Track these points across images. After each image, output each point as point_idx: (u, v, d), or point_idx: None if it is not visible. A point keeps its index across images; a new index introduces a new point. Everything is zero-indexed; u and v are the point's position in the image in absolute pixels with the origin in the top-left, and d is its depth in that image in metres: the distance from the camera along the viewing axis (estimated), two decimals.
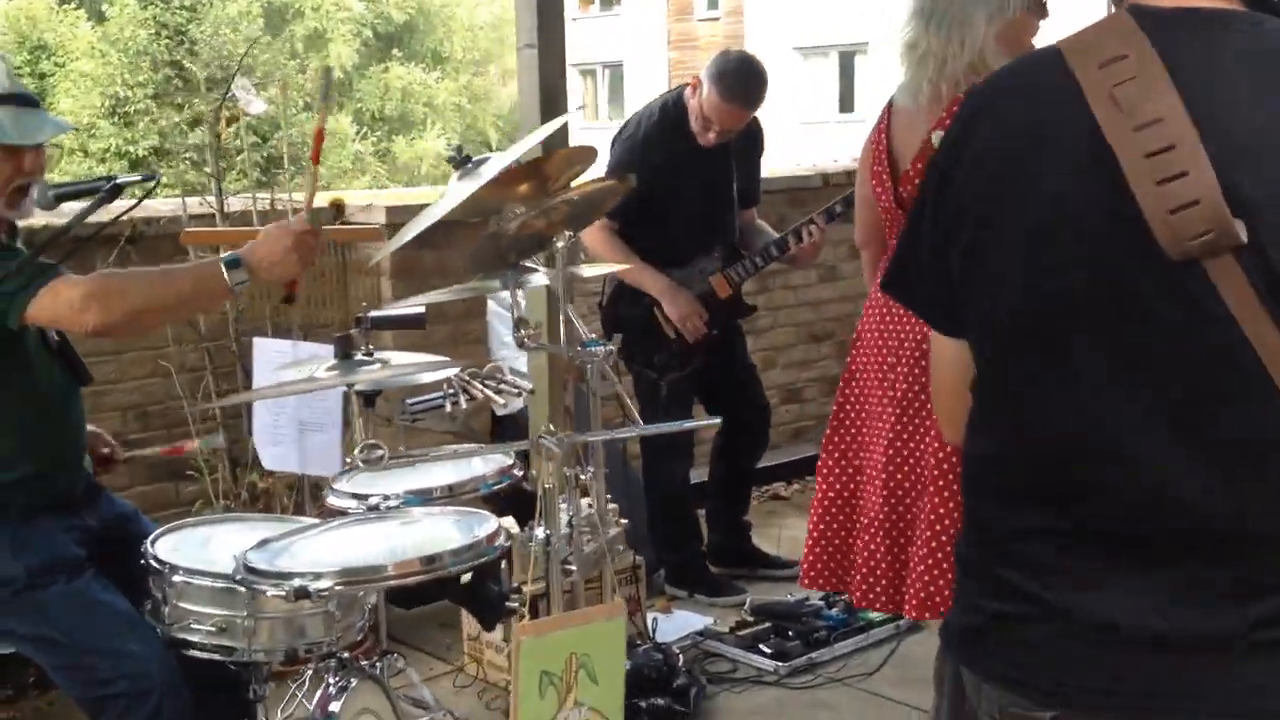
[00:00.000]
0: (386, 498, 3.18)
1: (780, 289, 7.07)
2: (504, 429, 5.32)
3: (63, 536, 3.08)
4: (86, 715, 3.03)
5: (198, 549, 3.18)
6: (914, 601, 3.49)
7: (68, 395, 3.19)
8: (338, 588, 2.70)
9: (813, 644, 4.76)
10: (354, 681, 2.99)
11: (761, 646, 4.75)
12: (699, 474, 5.62)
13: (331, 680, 2.96)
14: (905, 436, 3.55)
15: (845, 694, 4.50)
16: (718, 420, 2.79)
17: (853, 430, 3.69)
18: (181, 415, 4.92)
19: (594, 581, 3.11)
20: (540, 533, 2.63)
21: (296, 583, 2.68)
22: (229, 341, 4.91)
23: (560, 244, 2.64)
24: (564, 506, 2.79)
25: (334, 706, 2.86)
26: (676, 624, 5.03)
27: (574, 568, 2.72)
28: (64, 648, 2.99)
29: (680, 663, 4.49)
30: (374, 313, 3.55)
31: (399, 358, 3.62)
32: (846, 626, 4.87)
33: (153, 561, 3.08)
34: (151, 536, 3.17)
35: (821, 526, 3.70)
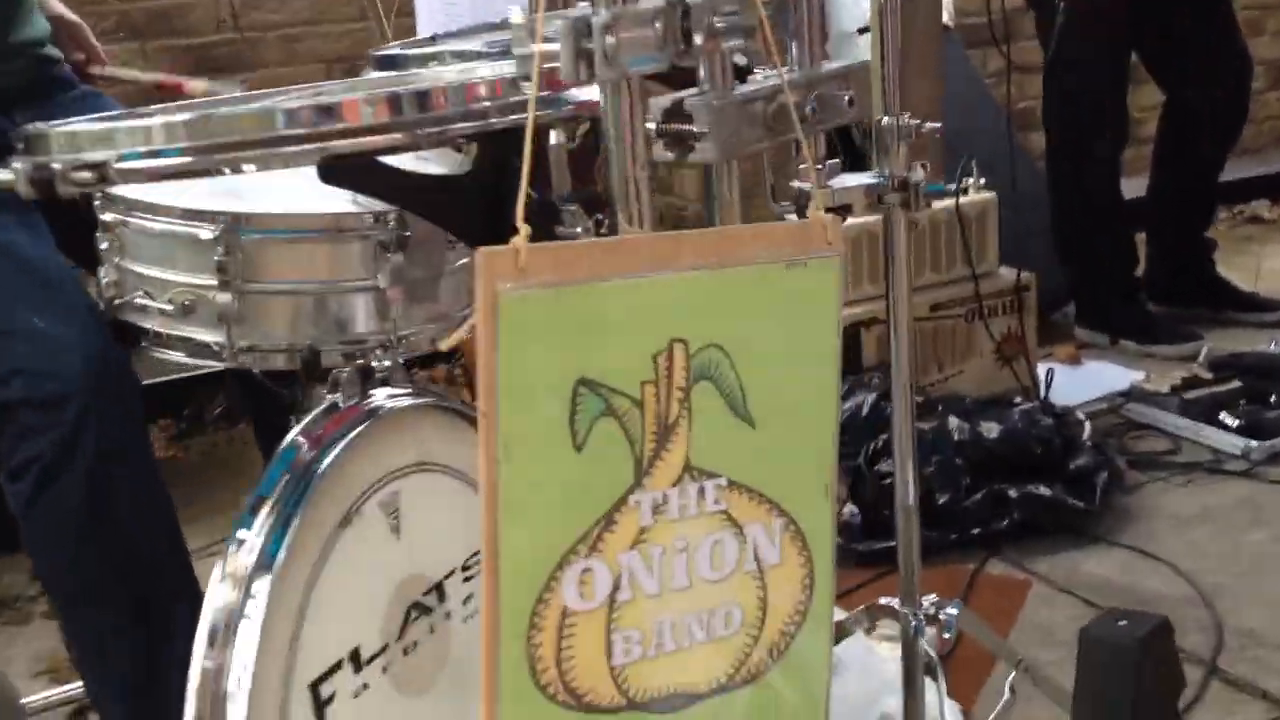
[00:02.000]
0: None
1: None
2: None
3: None
4: None
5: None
6: None
7: None
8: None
9: None
10: (398, 403, 1.59)
11: (1224, 416, 3.05)
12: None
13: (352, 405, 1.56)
14: None
15: None
16: None
17: None
18: None
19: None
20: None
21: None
22: None
23: None
24: None
25: (325, 460, 1.46)
26: (1085, 380, 3.39)
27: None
28: None
29: (1086, 434, 2.86)
30: None
31: None
32: None
33: (97, 198, 1.76)
34: None
35: None
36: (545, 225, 1.15)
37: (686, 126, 1.08)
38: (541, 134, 1.23)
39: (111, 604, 1.76)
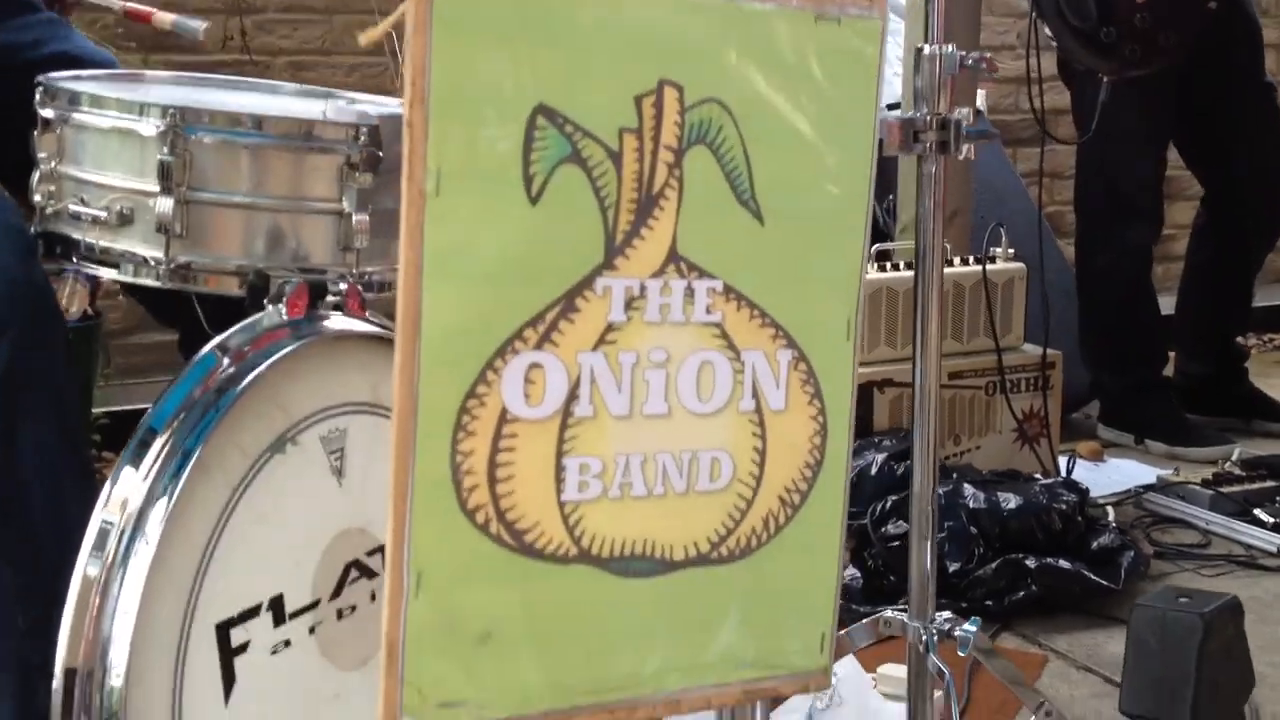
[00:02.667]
0: None
1: None
2: None
3: None
4: None
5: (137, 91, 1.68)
6: None
7: None
8: None
9: None
10: (351, 327, 1.38)
11: (1259, 513, 2.81)
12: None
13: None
14: None
15: None
16: None
17: None
18: None
19: None
20: None
21: None
22: None
23: None
24: None
25: (253, 372, 1.24)
26: (1108, 475, 3.16)
27: None
28: None
29: (1110, 518, 2.67)
30: None
31: None
32: None
33: (38, 93, 1.58)
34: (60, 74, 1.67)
35: None
36: None
37: None
38: None
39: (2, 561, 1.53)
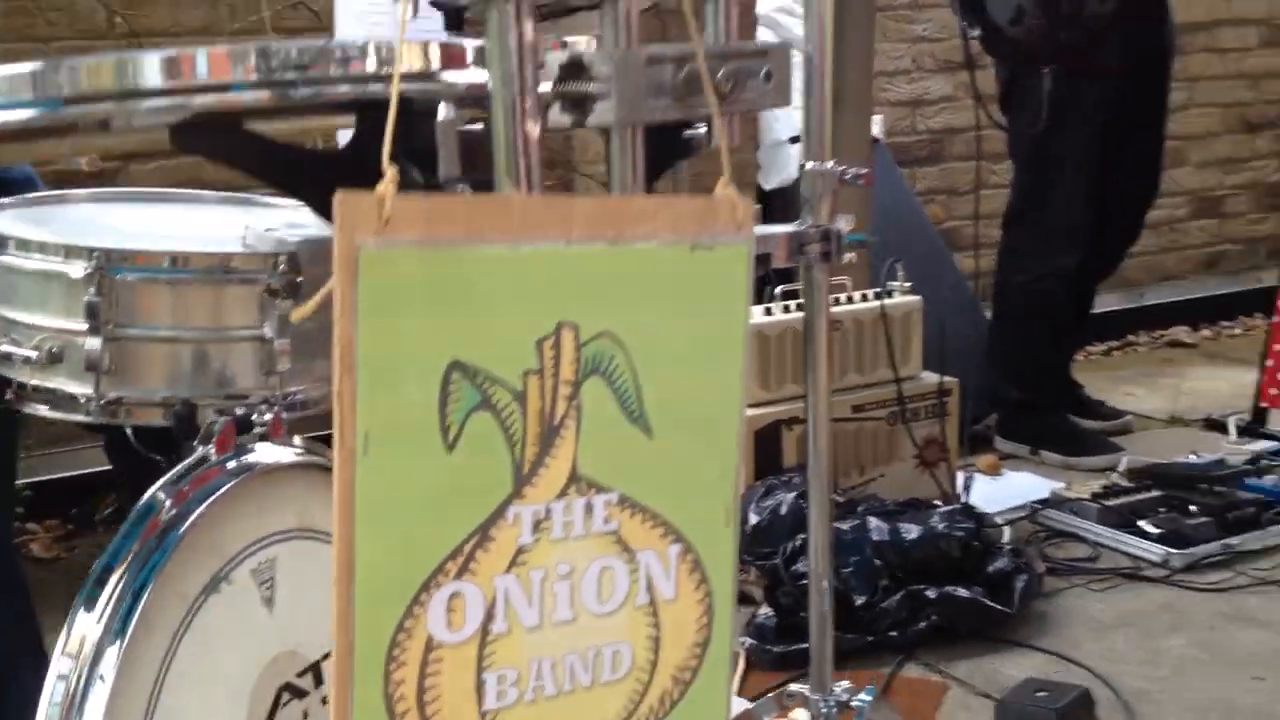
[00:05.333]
0: None
1: (1201, 52, 4.99)
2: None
3: None
4: None
5: (59, 223, 1.74)
6: None
7: None
8: None
9: (1230, 525, 2.96)
10: (279, 459, 1.46)
11: (1144, 525, 2.98)
12: None
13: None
14: None
15: None
16: None
17: None
18: None
19: None
20: None
21: None
22: None
23: None
24: None
25: (189, 519, 1.32)
26: (1005, 490, 3.34)
27: None
28: None
29: (1005, 539, 2.82)
30: None
31: None
32: None
33: None
34: None
35: None
36: None
37: (584, 87, 0.99)
38: (425, 110, 1.14)
39: None
